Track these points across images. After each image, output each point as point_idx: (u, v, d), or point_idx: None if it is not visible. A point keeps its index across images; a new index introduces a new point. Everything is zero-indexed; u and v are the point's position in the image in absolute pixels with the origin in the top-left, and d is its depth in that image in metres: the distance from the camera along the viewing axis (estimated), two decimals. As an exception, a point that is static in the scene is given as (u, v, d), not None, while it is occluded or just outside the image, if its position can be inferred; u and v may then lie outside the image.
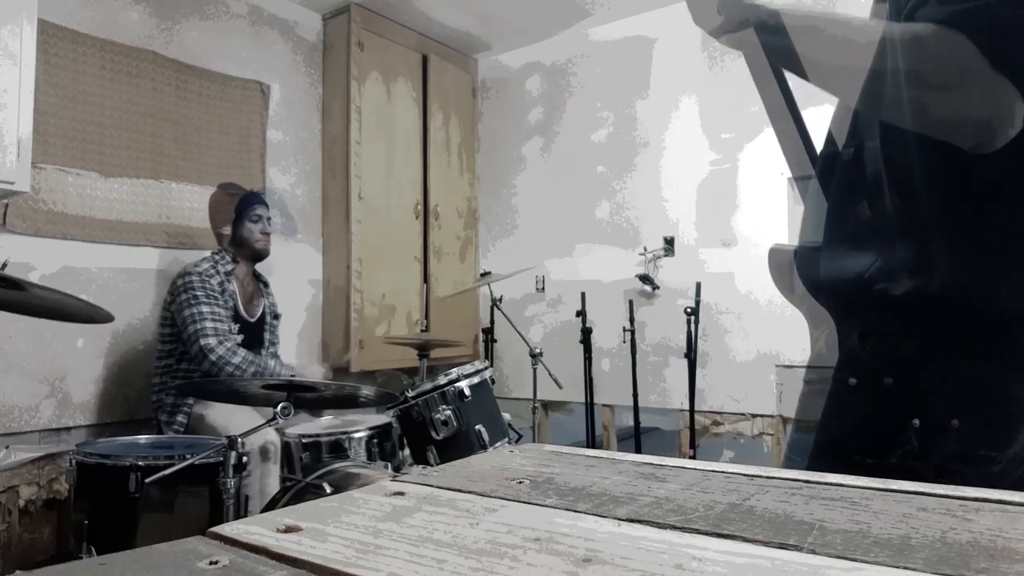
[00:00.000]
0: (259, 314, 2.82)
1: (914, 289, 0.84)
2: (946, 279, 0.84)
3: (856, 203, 0.93)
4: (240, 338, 2.66)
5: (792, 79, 1.05)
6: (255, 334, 2.78)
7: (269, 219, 2.81)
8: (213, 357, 2.46)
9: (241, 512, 1.79)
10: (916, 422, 0.84)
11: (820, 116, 1.07)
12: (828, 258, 0.96)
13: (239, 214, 2.74)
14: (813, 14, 0.88)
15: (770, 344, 3.36)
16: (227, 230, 2.74)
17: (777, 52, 0.97)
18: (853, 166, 0.94)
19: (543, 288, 4.15)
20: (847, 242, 0.93)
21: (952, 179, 0.85)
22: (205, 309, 2.52)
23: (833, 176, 0.99)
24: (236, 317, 2.68)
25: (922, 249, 0.85)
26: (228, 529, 0.49)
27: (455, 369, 2.41)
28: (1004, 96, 0.73)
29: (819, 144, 1.10)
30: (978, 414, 0.84)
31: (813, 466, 0.81)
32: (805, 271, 1.01)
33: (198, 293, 2.54)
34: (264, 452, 2.30)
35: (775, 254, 1.10)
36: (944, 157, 0.85)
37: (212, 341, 2.48)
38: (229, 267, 2.69)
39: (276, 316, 2.94)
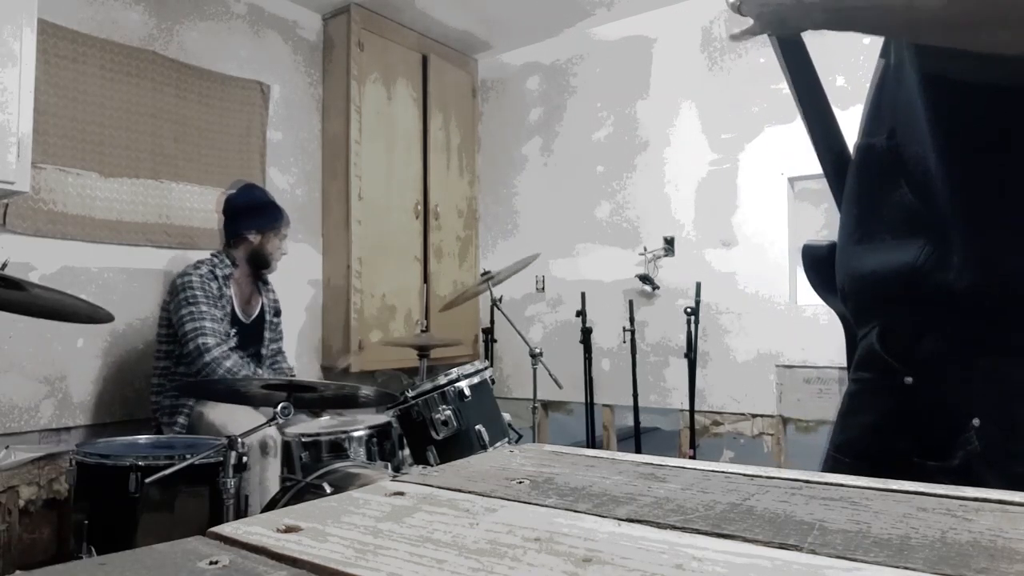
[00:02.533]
0: (256, 314, 2.81)
1: (972, 280, 0.79)
2: (1010, 269, 0.78)
3: (896, 190, 0.88)
4: (235, 340, 2.66)
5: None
6: (252, 334, 2.78)
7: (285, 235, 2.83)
8: (207, 357, 2.45)
9: (241, 512, 1.79)
10: (976, 421, 0.79)
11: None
12: (867, 252, 0.91)
13: (271, 229, 2.73)
14: None
15: (770, 344, 3.36)
16: (255, 237, 2.71)
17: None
18: (890, 153, 0.89)
19: (543, 288, 4.15)
20: (889, 233, 0.88)
21: (996, 163, 0.80)
22: (204, 309, 2.51)
23: (868, 166, 0.94)
24: (232, 320, 2.67)
25: (973, 238, 0.80)
26: (228, 529, 0.49)
27: (455, 369, 2.41)
28: None
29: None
30: None
31: (860, 469, 0.77)
32: (845, 267, 0.96)
33: (197, 293, 2.53)
34: (264, 447, 2.30)
35: (810, 251, 1.06)
36: (993, 140, 0.80)
37: (210, 340, 2.48)
38: (228, 271, 2.68)
39: (277, 313, 2.93)
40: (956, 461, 0.80)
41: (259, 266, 2.76)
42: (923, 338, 0.85)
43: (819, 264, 1.03)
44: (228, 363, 2.48)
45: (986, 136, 0.81)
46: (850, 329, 0.99)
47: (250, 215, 2.73)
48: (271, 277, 2.95)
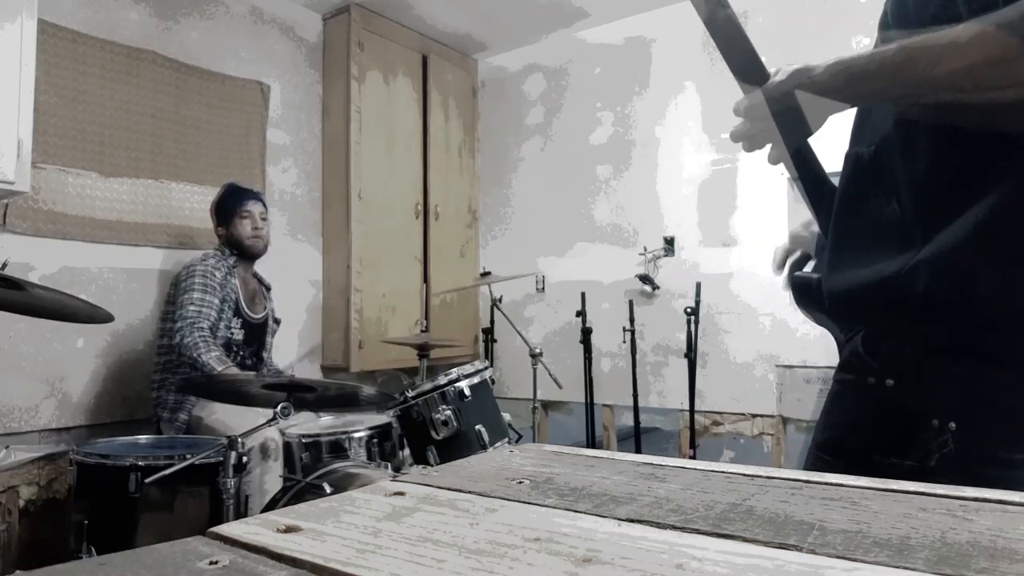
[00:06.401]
0: (262, 315, 2.82)
1: (941, 288, 0.82)
2: (971, 279, 0.82)
3: (880, 200, 0.91)
4: (241, 335, 2.67)
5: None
6: (258, 335, 2.78)
7: (263, 215, 2.78)
8: (187, 341, 2.40)
9: (241, 512, 1.79)
10: (935, 422, 0.83)
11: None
12: (853, 259, 0.93)
13: (230, 212, 2.73)
14: (850, 67, 0.86)
15: (770, 344, 3.36)
16: (223, 231, 2.75)
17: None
18: (874, 162, 0.92)
19: (543, 288, 4.15)
20: (874, 241, 0.91)
21: (973, 177, 0.84)
22: (196, 296, 2.52)
23: (855, 175, 0.96)
24: (238, 313, 2.68)
25: (945, 248, 0.83)
26: (228, 529, 0.49)
27: (455, 369, 2.41)
28: None
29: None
30: (1001, 417, 0.83)
31: (838, 467, 0.80)
32: (832, 273, 0.98)
33: (196, 282, 2.54)
34: (264, 450, 2.30)
35: (799, 281, 1.07)
36: (966, 155, 0.84)
37: (186, 327, 2.43)
38: (232, 261, 2.71)
39: (276, 322, 2.94)
40: (929, 462, 0.84)
41: (245, 256, 2.76)
42: (903, 344, 0.88)
43: (808, 293, 1.05)
44: (204, 356, 2.39)
45: (953, 164, 0.85)
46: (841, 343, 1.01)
47: (215, 214, 2.79)
48: (272, 281, 2.96)
